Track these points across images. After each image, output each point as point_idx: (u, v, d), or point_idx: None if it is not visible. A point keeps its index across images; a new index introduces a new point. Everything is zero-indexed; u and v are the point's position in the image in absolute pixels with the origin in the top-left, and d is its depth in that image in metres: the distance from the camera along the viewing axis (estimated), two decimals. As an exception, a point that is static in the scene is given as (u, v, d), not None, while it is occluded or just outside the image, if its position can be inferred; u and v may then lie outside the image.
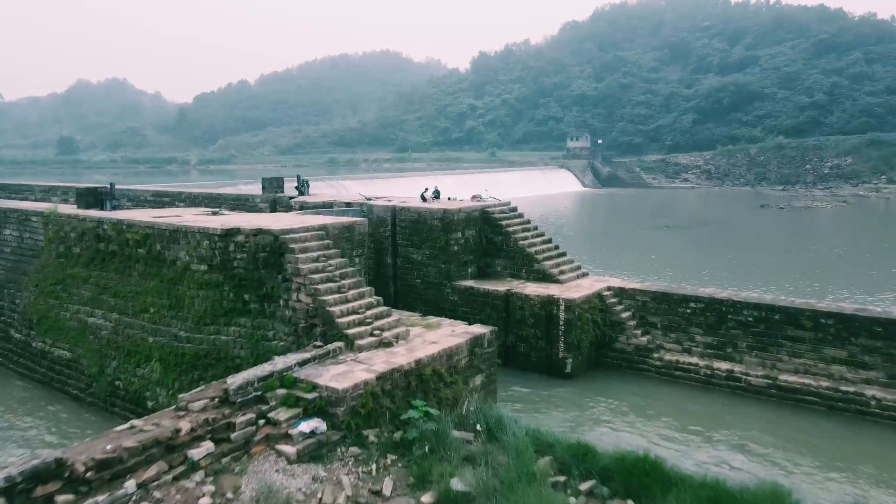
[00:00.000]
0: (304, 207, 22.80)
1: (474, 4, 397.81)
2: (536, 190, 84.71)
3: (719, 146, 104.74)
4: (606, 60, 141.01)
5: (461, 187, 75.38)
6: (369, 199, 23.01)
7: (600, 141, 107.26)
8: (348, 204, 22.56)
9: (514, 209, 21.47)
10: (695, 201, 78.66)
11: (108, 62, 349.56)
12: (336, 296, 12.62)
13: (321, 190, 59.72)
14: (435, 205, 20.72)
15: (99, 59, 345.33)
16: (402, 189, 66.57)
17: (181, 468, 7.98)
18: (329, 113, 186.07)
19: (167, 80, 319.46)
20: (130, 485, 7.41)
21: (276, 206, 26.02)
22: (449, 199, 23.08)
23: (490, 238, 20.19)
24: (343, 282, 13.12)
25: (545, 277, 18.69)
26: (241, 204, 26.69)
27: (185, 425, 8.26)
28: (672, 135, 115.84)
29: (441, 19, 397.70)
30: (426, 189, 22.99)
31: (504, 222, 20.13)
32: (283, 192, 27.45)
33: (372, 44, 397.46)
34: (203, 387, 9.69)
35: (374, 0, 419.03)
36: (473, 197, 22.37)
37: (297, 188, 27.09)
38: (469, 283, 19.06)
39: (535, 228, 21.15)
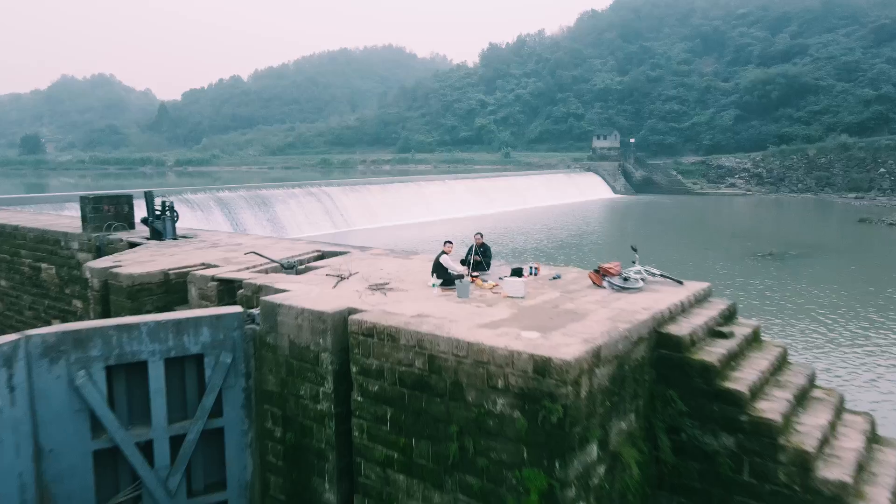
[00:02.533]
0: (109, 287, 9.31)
1: (484, 2, 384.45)
2: (563, 197, 71.30)
3: (771, 147, 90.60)
4: (631, 52, 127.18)
5: (476, 196, 61.51)
6: (299, 261, 9.64)
7: (632, 140, 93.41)
8: (226, 281, 8.98)
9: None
10: (760, 213, 64.76)
11: (97, 58, 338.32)
12: None
13: (301, 203, 46.03)
14: (489, 315, 7.11)
15: (87, 55, 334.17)
16: (402, 203, 52.65)
17: None
18: (326, 110, 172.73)
19: (158, 78, 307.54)
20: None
21: (101, 252, 13.18)
22: (530, 271, 9.23)
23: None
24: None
25: None
26: (46, 248, 13.67)
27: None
28: (711, 133, 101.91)
29: (446, 13, 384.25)
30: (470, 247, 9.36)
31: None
32: (126, 224, 14.56)
33: (374, 38, 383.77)
34: None
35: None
36: (602, 272, 8.52)
37: (149, 222, 13.98)
38: None
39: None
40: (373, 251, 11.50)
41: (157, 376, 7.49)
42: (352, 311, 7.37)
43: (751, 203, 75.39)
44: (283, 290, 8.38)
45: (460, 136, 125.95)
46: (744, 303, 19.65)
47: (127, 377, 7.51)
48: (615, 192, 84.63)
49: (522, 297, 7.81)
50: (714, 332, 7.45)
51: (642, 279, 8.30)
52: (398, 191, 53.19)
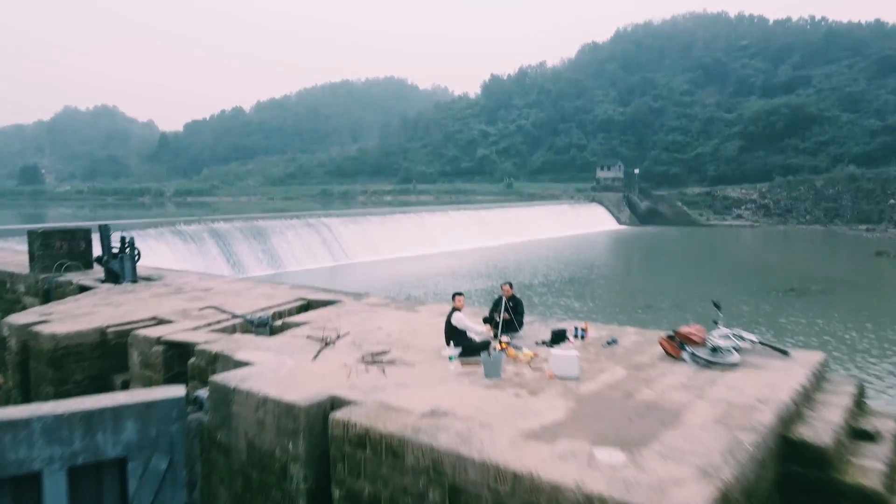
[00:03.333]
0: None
1: (483, 31, 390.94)
2: (568, 228, 69.21)
3: (777, 177, 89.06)
4: (632, 83, 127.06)
5: (480, 226, 59.65)
6: (276, 314, 7.27)
7: (637, 171, 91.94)
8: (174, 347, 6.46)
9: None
10: (771, 245, 62.63)
11: (101, 89, 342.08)
12: None
13: (298, 234, 43.88)
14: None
15: (91, 86, 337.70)
16: (403, 235, 50.43)
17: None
18: (328, 141, 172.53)
19: (161, 109, 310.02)
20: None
21: (50, 296, 10.73)
22: (576, 333, 6.93)
23: None
24: None
25: None
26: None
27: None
28: (715, 164, 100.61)
29: (448, 45, 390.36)
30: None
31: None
32: (82, 264, 12.24)
33: (375, 69, 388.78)
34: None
35: (379, 26, 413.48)
36: (680, 338, 6.10)
37: (103, 261, 11.75)
38: None
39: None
40: (369, 300, 9.24)
41: (56, 494, 5.21)
42: (336, 401, 5.11)
43: (759, 235, 73.35)
44: (245, 363, 6.14)
45: (462, 167, 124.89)
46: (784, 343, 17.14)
47: (14, 496, 5.23)
48: (620, 223, 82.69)
49: (577, 379, 5.59)
50: (856, 432, 5.20)
51: (735, 348, 6.07)
52: (399, 222, 51.14)
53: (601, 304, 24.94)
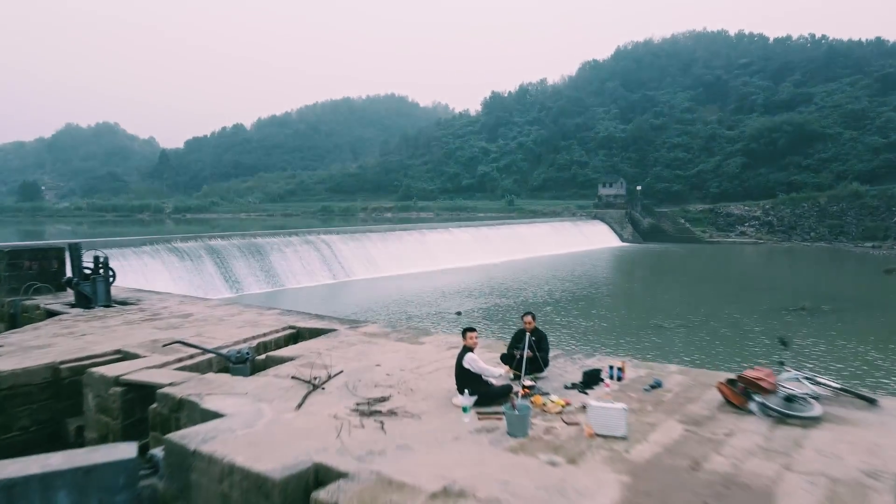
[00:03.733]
0: None
1: (483, 48, 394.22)
2: (570, 245, 68.31)
3: (780, 194, 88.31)
4: (633, 100, 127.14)
5: (481, 243, 58.60)
6: (261, 345, 6.07)
7: (639, 188, 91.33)
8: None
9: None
10: (777, 263, 61.55)
11: (103, 107, 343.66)
12: None
13: (297, 252, 42.82)
14: None
15: (93, 104, 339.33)
16: (404, 252, 49.27)
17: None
18: (328, 158, 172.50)
19: (162, 126, 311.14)
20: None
21: (17, 322, 9.58)
22: (611, 374, 5.67)
23: None
24: None
25: None
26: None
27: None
28: (717, 181, 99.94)
29: (448, 63, 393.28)
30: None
31: None
32: (52, 286, 11.11)
33: (376, 87, 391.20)
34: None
35: (380, 45, 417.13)
36: (745, 384, 4.85)
37: (73, 283, 10.67)
38: None
39: None
40: (366, 328, 8.05)
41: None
42: (321, 471, 3.97)
43: (763, 252, 72.32)
44: (214, 414, 5.00)
45: (463, 184, 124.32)
46: (800, 364, 15.89)
47: None
48: (622, 240, 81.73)
49: (625, 438, 4.45)
50: None
51: (812, 396, 4.94)
52: (400, 239, 50.11)
53: (610, 325, 23.75)
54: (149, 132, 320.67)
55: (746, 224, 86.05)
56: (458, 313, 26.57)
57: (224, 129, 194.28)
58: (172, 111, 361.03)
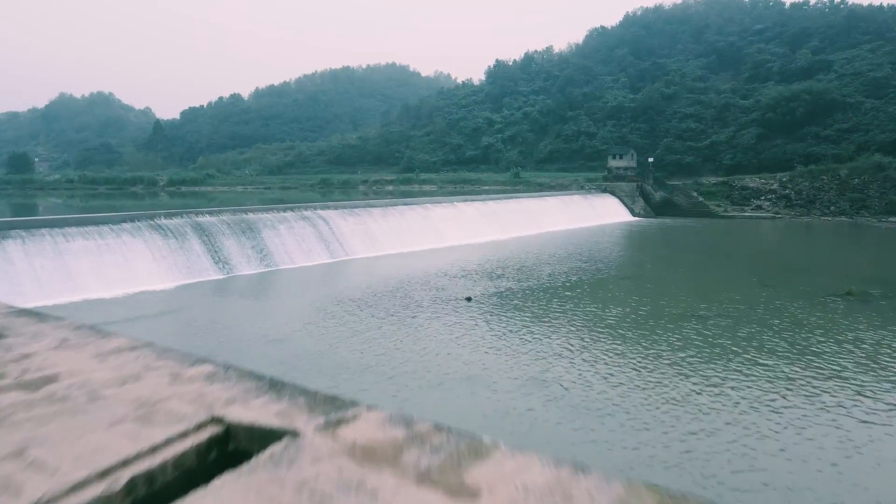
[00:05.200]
0: None
1: (486, 15, 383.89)
2: (581, 220, 65.62)
3: (798, 166, 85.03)
4: (643, 68, 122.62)
5: (488, 219, 55.68)
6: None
7: (651, 160, 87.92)
8: None
9: None
10: (800, 239, 58.81)
11: (98, 76, 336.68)
12: None
13: (292, 228, 39.97)
14: None
15: (88, 73, 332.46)
16: (406, 228, 46.31)
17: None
18: (328, 129, 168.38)
19: (159, 96, 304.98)
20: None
21: None
22: None
23: None
24: None
25: None
26: None
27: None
28: (731, 153, 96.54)
29: (450, 31, 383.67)
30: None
31: None
32: None
33: (377, 56, 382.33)
34: None
35: (380, 14, 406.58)
36: None
37: None
38: None
39: None
40: (355, 429, 4.13)
41: None
42: None
43: (782, 227, 69.49)
44: None
45: (466, 156, 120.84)
46: (880, 378, 13.19)
47: None
48: (634, 214, 78.90)
49: None
50: None
51: None
52: (402, 214, 47.29)
53: (644, 314, 21.12)
54: (145, 103, 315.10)
55: (762, 198, 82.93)
56: (469, 299, 23.99)
57: (221, 98, 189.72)
58: (169, 82, 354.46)
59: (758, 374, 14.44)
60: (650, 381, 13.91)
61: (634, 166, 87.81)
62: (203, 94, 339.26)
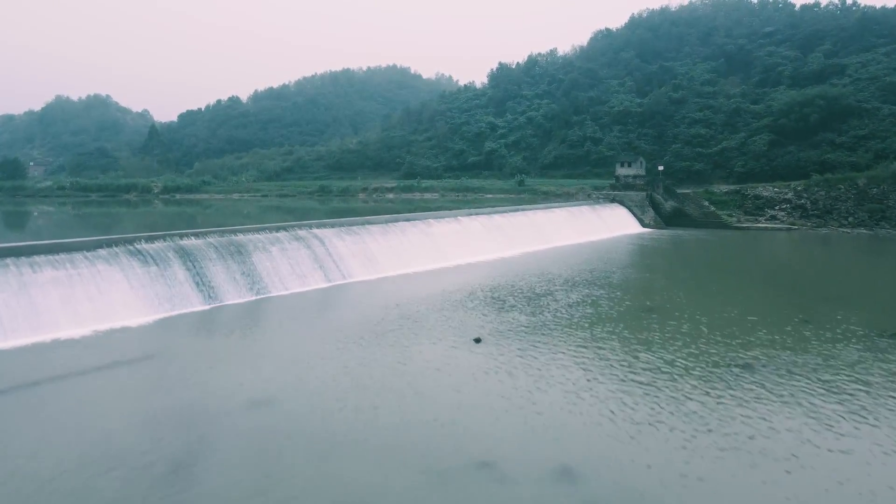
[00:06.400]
0: None
1: (488, 15, 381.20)
2: (590, 233, 62.94)
3: (813, 174, 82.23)
4: (650, 72, 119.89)
5: (493, 234, 52.76)
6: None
7: (661, 168, 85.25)
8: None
9: None
10: (823, 255, 55.85)
11: (96, 78, 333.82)
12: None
13: (285, 250, 36.76)
14: None
15: (85, 75, 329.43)
16: (408, 246, 43.52)
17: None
18: (327, 133, 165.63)
19: (156, 99, 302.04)
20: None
21: None
22: None
23: None
24: None
25: None
26: None
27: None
28: (743, 160, 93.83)
29: (452, 32, 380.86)
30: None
31: None
32: None
33: (377, 58, 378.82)
34: None
35: (380, 14, 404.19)
36: None
37: None
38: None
39: None
40: None
41: None
42: None
43: (800, 240, 66.62)
44: None
45: (469, 161, 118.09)
46: None
47: None
48: (644, 225, 76.06)
49: None
50: None
51: None
52: (403, 231, 44.46)
53: (679, 367, 18.27)
54: (143, 104, 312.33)
55: (777, 207, 79.97)
56: (477, 340, 21.20)
57: (219, 101, 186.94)
58: (168, 83, 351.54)
59: (835, 457, 11.51)
60: (709, 476, 10.98)
61: (643, 174, 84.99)
62: (202, 95, 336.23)
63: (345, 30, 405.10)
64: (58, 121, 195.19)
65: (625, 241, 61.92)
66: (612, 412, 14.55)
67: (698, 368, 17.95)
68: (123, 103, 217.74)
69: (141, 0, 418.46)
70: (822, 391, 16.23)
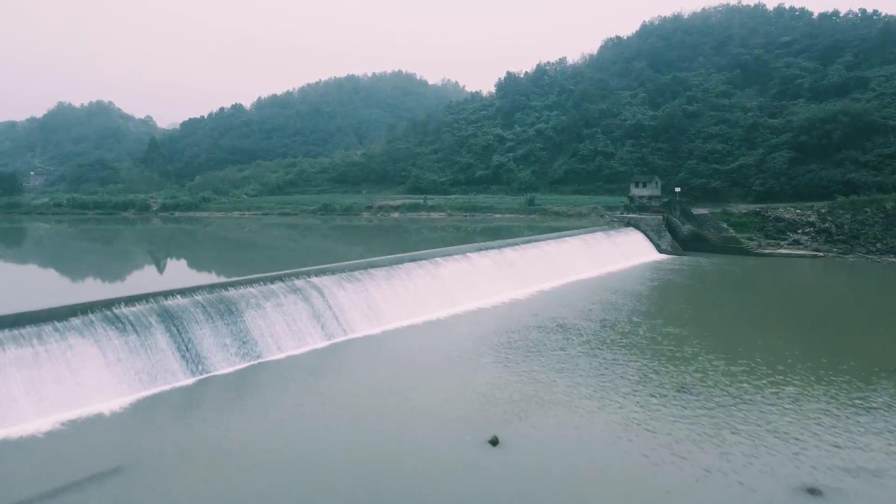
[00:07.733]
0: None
1: (495, 21, 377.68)
2: (606, 263, 59.68)
3: (837, 196, 78.57)
4: (663, 83, 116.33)
5: (504, 272, 48.96)
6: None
7: (677, 189, 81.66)
8: None
9: None
10: (858, 288, 52.35)
11: (99, 83, 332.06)
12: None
13: (280, 305, 32.44)
14: None
15: (88, 80, 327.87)
16: (414, 292, 39.96)
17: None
18: (331, 142, 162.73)
19: (161, 105, 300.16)
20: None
21: None
22: None
23: None
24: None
25: None
26: None
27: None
28: (761, 178, 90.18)
29: (458, 37, 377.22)
30: None
31: None
32: None
33: (382, 63, 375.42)
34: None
35: (386, 17, 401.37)
36: None
37: None
38: None
39: None
40: None
41: None
42: None
43: (824, 269, 63.12)
44: None
45: (476, 176, 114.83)
46: None
47: None
48: (660, 250, 72.56)
49: None
50: None
51: None
52: (409, 274, 41.25)
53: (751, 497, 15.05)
54: (146, 111, 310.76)
55: (799, 231, 76.24)
56: (494, 442, 18.10)
57: (222, 109, 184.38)
58: (171, 87, 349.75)
59: None
60: None
61: (659, 195, 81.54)
62: (206, 99, 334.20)
63: (350, 33, 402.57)
64: (59, 128, 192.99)
65: (642, 271, 58.45)
66: None
67: (776, 490, 14.63)
68: (126, 109, 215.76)
69: (145, 4, 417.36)
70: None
